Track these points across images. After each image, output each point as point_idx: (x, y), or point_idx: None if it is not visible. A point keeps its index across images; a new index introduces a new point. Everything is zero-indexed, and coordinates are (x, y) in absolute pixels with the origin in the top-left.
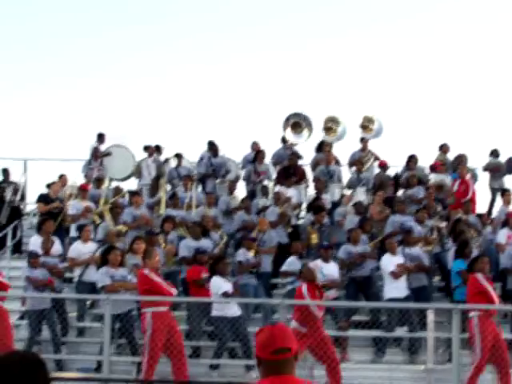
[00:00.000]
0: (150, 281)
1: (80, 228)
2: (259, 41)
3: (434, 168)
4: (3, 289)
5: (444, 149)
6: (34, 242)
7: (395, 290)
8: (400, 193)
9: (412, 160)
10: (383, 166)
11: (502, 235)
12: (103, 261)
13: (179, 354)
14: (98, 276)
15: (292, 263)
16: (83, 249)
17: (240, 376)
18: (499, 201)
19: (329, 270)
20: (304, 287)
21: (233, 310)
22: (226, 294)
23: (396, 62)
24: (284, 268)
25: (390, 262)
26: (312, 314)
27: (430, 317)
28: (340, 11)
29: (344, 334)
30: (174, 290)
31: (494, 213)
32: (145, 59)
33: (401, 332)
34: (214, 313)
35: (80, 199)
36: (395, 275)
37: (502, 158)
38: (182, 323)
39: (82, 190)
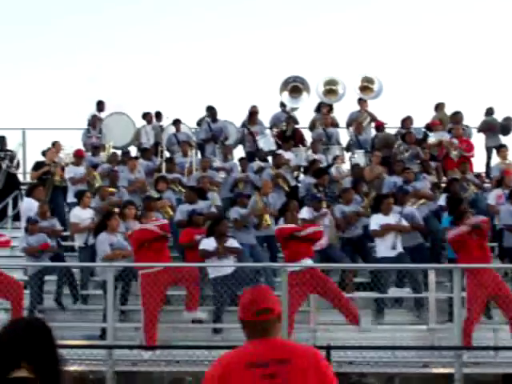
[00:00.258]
0: (140, 232)
1: (79, 194)
2: (256, 5)
3: (429, 127)
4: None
5: (440, 107)
6: (27, 206)
7: (384, 249)
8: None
9: (407, 121)
10: (379, 127)
11: (492, 196)
12: (102, 226)
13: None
14: (99, 244)
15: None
16: (83, 215)
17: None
18: (495, 160)
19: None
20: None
21: (223, 268)
22: (203, 252)
23: (390, 23)
24: None
25: (377, 221)
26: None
27: (431, 277)
28: None
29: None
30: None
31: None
32: (143, 27)
33: (402, 292)
34: (211, 276)
35: (75, 165)
36: (375, 233)
37: (498, 117)
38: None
39: (77, 156)
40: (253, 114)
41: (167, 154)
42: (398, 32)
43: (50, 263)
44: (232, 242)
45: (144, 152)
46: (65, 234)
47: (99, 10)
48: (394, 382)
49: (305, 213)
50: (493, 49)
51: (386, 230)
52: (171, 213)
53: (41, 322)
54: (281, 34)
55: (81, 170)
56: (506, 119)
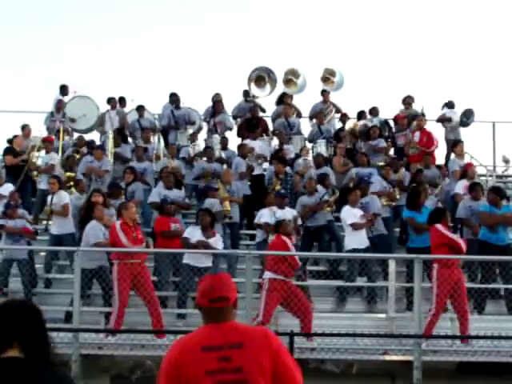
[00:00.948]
0: (116, 235)
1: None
2: None
3: (396, 121)
4: None
5: (407, 101)
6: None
7: (356, 241)
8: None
9: (373, 112)
10: (343, 118)
11: (459, 186)
12: (87, 217)
13: (152, 300)
14: (90, 230)
15: (264, 215)
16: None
17: None
18: None
19: (284, 216)
20: (284, 238)
21: (201, 260)
22: (185, 240)
23: (355, 14)
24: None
25: (350, 213)
26: (286, 264)
27: (392, 266)
28: None
29: (306, 284)
30: (142, 241)
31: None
32: (108, 12)
33: (362, 282)
34: (185, 261)
35: (46, 151)
36: (355, 226)
37: (458, 110)
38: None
39: (47, 141)
40: (217, 102)
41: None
42: (363, 24)
43: (22, 246)
44: (216, 240)
45: (94, 149)
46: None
47: None
48: (353, 368)
49: (266, 216)
50: (455, 41)
51: (363, 224)
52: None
53: (32, 303)
54: (245, 23)
55: (50, 156)
56: (466, 112)
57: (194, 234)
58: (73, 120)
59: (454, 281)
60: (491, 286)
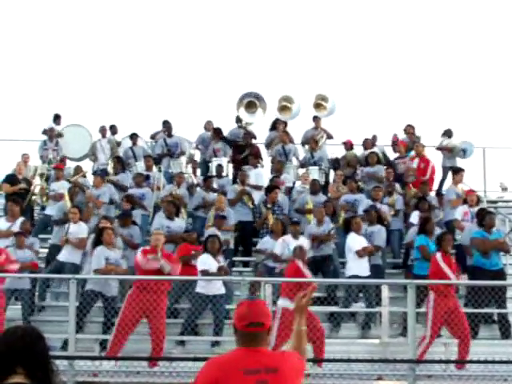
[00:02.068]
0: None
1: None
2: (213, 21)
3: (395, 144)
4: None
5: (409, 130)
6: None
7: (358, 268)
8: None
9: (368, 142)
10: (348, 146)
11: (459, 212)
12: (97, 242)
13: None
14: (94, 257)
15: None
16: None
17: (206, 352)
18: (449, 180)
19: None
20: (300, 264)
21: (215, 287)
22: (204, 272)
23: (349, 42)
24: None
25: (355, 240)
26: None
27: (385, 292)
28: None
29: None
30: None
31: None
32: (100, 40)
33: (357, 307)
34: (198, 289)
35: (56, 180)
36: (360, 254)
37: (455, 139)
38: None
39: (57, 169)
40: (215, 130)
41: None
42: (358, 51)
43: (24, 274)
44: (221, 259)
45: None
46: None
47: (57, 19)
48: None
49: (278, 247)
50: (447, 68)
51: (366, 251)
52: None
53: (35, 330)
54: (237, 50)
55: (59, 184)
56: (465, 144)
57: (208, 262)
58: (60, 135)
59: (449, 308)
60: (484, 310)
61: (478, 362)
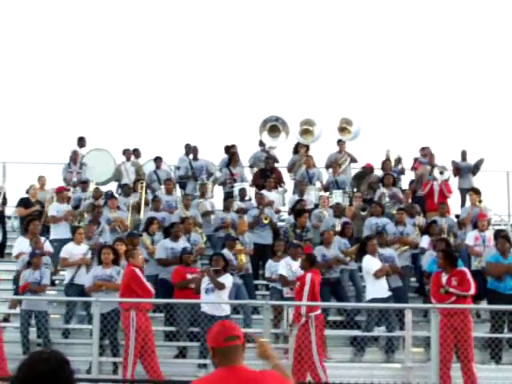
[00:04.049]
0: (137, 278)
1: (73, 230)
2: (237, 45)
3: (415, 169)
4: None
5: (425, 152)
6: (21, 245)
7: (377, 290)
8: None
9: (387, 163)
10: (368, 169)
11: (470, 237)
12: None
13: (152, 353)
14: (87, 277)
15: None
16: (74, 250)
17: None
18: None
19: (298, 267)
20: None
21: (220, 309)
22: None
23: (372, 65)
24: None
25: (371, 262)
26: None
27: (408, 316)
28: (314, 14)
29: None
30: (153, 291)
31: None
32: (123, 66)
33: (379, 331)
34: (204, 309)
35: (59, 201)
36: (378, 275)
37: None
38: (158, 324)
39: (58, 192)
40: (234, 154)
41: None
42: (379, 74)
43: (41, 297)
44: (225, 277)
45: (123, 188)
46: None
47: (83, 44)
48: None
49: (283, 268)
50: (469, 92)
51: (384, 272)
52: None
53: (61, 354)
54: (260, 73)
55: (63, 206)
56: (479, 161)
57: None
58: (83, 164)
59: (455, 329)
60: (507, 335)
61: None
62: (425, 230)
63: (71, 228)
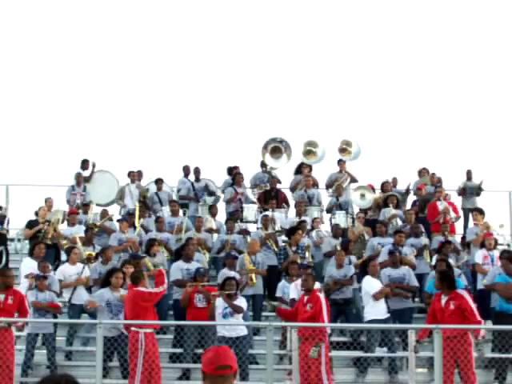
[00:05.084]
0: (143, 292)
1: (67, 250)
2: (239, 66)
3: (419, 189)
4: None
5: (423, 173)
6: (29, 265)
7: (375, 311)
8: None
9: (386, 184)
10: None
11: (479, 255)
12: (106, 283)
13: (156, 375)
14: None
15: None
16: (69, 271)
17: None
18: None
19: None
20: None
21: (235, 330)
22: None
23: (372, 86)
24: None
25: (371, 283)
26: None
27: (412, 337)
28: (313, 35)
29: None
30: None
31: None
32: (127, 86)
33: (381, 352)
34: (221, 333)
35: (70, 225)
36: (377, 297)
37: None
38: (162, 346)
39: (71, 214)
40: (238, 175)
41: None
42: (379, 96)
43: (45, 319)
44: (240, 302)
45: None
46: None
47: (85, 63)
48: None
49: (294, 292)
50: (472, 112)
51: (383, 294)
52: None
53: (71, 377)
54: (263, 96)
55: (75, 229)
56: (481, 182)
57: (222, 304)
58: (87, 180)
59: (456, 354)
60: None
61: None
62: (438, 250)
63: (66, 249)
